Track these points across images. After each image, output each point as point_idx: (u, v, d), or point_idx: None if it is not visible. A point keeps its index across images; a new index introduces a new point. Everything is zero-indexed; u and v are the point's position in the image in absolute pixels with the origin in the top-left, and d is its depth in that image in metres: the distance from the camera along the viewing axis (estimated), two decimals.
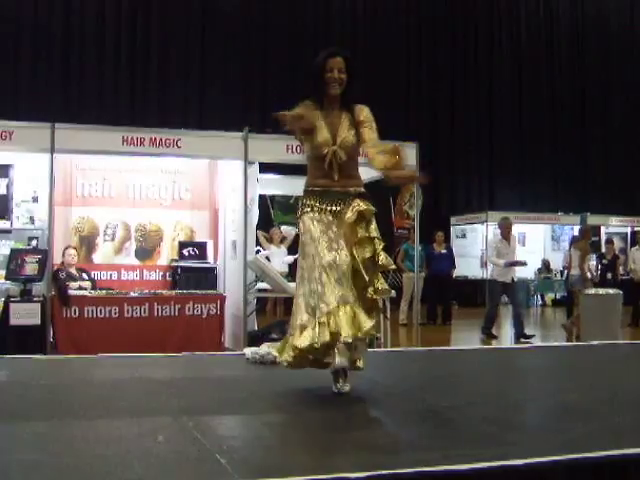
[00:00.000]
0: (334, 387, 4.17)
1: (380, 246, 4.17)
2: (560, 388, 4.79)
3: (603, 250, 16.26)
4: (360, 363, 4.24)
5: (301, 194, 4.36)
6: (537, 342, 11.18)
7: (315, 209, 4.19)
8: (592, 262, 17.03)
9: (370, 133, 4.25)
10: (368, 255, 4.12)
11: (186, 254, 9.20)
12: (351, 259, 4.08)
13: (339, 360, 3.99)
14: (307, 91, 4.31)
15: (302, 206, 4.26)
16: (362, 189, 4.30)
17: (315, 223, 4.15)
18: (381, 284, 4.21)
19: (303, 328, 4.02)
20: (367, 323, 3.98)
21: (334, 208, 4.17)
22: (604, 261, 14.16)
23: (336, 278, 3.99)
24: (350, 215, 4.13)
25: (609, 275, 13.83)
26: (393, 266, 4.32)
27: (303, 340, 3.98)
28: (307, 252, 4.13)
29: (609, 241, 15.24)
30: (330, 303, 3.95)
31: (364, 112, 4.29)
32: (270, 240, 11.66)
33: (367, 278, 4.10)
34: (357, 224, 4.15)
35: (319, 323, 3.95)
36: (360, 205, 4.16)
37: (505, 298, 19.60)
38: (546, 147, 22.24)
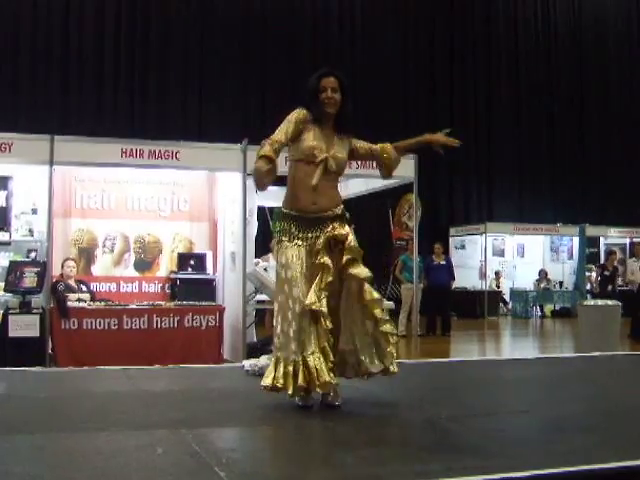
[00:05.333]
0: (325, 399, 4.20)
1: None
2: (560, 400, 4.78)
3: (602, 261, 16.25)
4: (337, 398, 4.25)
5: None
6: (537, 354, 11.16)
7: (291, 238, 4.18)
8: (592, 273, 17.10)
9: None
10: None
11: (185, 266, 9.19)
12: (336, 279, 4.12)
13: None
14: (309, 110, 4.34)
15: (279, 232, 4.25)
16: (339, 210, 4.28)
17: (294, 258, 4.12)
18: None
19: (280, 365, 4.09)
20: (324, 377, 3.99)
21: (310, 235, 4.17)
22: (605, 272, 14.05)
23: (299, 328, 4.03)
24: (321, 241, 4.14)
25: (610, 287, 13.72)
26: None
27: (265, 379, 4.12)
28: (282, 289, 4.12)
29: (611, 252, 15.15)
30: (294, 353, 4.02)
31: (355, 140, 4.46)
32: (270, 251, 11.66)
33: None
34: (331, 249, 4.16)
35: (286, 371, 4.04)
36: (334, 229, 4.18)
37: (504, 309, 19.81)
38: (544, 158, 22.31)
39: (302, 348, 4.02)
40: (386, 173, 4.55)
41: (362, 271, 4.16)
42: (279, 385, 4.04)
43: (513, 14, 22.62)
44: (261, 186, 4.23)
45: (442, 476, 2.83)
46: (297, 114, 4.26)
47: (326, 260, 4.10)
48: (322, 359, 4.02)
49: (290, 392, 4.02)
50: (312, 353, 4.00)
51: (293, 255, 4.12)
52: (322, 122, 4.31)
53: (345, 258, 4.16)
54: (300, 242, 4.16)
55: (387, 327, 4.20)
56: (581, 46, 23.21)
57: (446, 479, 2.79)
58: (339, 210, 4.29)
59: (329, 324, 4.06)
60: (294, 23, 19.43)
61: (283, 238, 4.21)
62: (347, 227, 4.24)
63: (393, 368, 4.23)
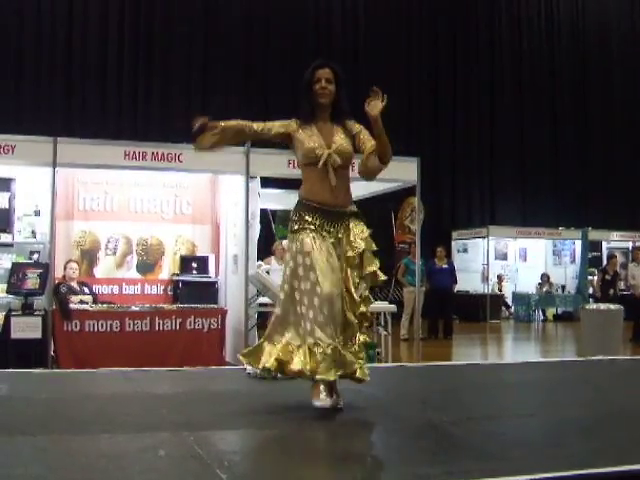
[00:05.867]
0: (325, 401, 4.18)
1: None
2: (561, 403, 4.78)
3: (604, 264, 16.24)
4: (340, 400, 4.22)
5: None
6: (539, 357, 11.15)
7: (315, 228, 4.14)
8: (594, 277, 17.10)
9: (371, 141, 4.28)
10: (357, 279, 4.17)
11: (187, 268, 9.20)
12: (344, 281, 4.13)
13: (320, 403, 4.02)
14: (301, 104, 4.33)
15: (299, 221, 4.18)
16: (354, 207, 4.34)
17: (317, 246, 4.09)
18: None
19: (289, 348, 4.07)
20: (352, 365, 4.06)
21: (332, 229, 4.17)
22: (607, 277, 14.07)
23: (332, 314, 3.99)
24: (351, 254, 4.14)
25: (611, 291, 13.74)
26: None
27: (295, 365, 4.02)
28: (307, 276, 4.04)
29: (612, 256, 15.17)
30: (323, 338, 3.96)
31: (357, 125, 4.35)
32: (272, 254, 11.65)
33: (358, 299, 4.15)
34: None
35: (310, 351, 3.98)
36: (361, 234, 4.21)
37: (506, 313, 19.80)
38: (547, 162, 22.26)
39: (336, 335, 4.01)
40: (361, 174, 4.41)
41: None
42: (317, 370, 3.96)
43: (516, 13, 22.57)
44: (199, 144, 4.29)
45: (443, 479, 2.83)
46: (283, 121, 4.32)
47: (357, 260, 4.16)
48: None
49: (331, 377, 3.96)
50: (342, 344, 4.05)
51: (318, 244, 4.10)
52: (317, 116, 4.30)
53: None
54: (325, 234, 4.14)
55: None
56: (584, 46, 23.16)
57: None
58: (354, 207, 4.33)
59: (353, 318, 4.11)
60: (296, 24, 19.41)
61: (306, 227, 4.14)
62: (365, 228, 4.26)
63: (359, 374, 4.16)
